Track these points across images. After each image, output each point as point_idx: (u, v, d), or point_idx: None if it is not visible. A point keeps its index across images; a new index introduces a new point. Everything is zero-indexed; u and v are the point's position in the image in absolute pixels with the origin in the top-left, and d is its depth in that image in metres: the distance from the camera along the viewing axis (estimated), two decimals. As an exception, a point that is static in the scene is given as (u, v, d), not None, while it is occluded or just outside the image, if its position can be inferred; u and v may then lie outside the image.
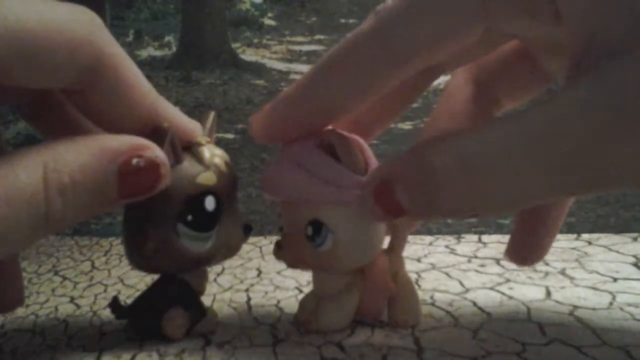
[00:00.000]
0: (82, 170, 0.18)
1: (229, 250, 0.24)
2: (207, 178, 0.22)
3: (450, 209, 0.18)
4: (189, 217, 0.22)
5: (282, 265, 0.36)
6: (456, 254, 0.36)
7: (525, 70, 0.24)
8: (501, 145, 0.16)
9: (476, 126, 0.18)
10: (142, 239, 0.22)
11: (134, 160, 0.19)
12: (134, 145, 0.20)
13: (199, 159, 0.22)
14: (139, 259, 0.23)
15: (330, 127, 0.22)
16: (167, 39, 0.61)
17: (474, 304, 0.26)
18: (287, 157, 0.22)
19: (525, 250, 0.26)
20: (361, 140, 0.23)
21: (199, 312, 0.24)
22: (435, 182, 0.17)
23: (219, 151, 0.23)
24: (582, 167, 0.15)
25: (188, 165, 0.22)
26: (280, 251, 0.23)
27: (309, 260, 0.23)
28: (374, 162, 0.22)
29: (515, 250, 0.26)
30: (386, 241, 0.24)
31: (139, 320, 0.24)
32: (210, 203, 0.22)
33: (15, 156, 0.18)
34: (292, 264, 0.24)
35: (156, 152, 0.20)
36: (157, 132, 0.21)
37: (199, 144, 0.23)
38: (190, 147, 0.23)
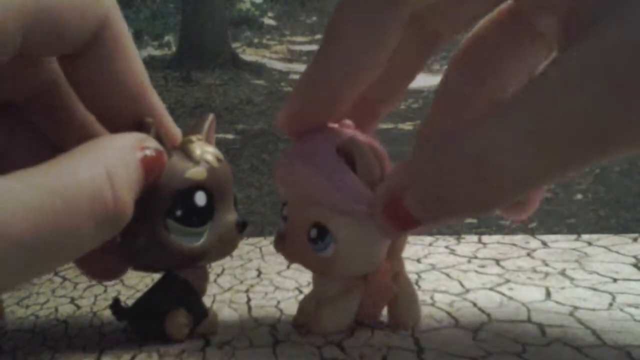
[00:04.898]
0: (127, 166, 0.19)
1: (224, 246, 0.23)
2: (196, 173, 0.22)
3: (467, 207, 0.18)
4: (178, 212, 0.22)
5: (282, 266, 0.36)
6: (456, 255, 0.36)
7: (526, 47, 0.23)
8: (507, 133, 0.16)
9: (479, 118, 0.17)
10: (132, 235, 0.22)
11: (148, 152, 0.20)
12: (140, 138, 0.21)
13: (189, 155, 0.22)
14: (131, 256, 0.23)
15: (349, 122, 0.22)
16: (167, 38, 0.61)
17: (474, 304, 0.26)
18: (305, 154, 0.21)
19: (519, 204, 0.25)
20: (380, 148, 0.22)
21: (201, 312, 0.24)
22: (450, 180, 0.17)
23: (211, 148, 0.23)
24: (587, 140, 0.15)
25: (177, 160, 0.22)
26: (280, 244, 0.23)
27: (307, 261, 0.23)
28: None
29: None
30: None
31: (141, 321, 0.24)
32: (200, 198, 0.22)
33: (74, 155, 0.18)
34: (291, 259, 0.23)
35: (155, 142, 0.21)
36: (141, 127, 0.22)
37: (190, 141, 0.23)
38: (180, 144, 0.23)
